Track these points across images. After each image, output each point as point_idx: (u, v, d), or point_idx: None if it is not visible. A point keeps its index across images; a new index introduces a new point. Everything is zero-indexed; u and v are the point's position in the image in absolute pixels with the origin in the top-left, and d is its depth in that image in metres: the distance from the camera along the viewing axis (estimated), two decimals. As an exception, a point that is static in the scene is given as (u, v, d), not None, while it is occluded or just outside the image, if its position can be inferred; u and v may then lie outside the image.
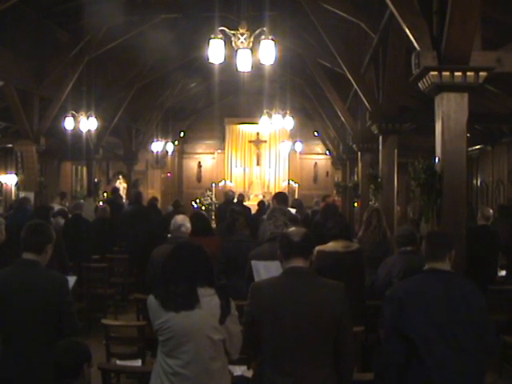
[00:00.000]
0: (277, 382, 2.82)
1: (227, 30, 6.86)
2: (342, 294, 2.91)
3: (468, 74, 4.60)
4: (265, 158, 21.48)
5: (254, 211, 10.91)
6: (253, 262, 4.61)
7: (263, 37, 6.70)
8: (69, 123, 11.70)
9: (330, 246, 4.85)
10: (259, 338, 2.93)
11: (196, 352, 2.85)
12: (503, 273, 7.14)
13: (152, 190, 19.17)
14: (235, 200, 12.00)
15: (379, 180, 8.29)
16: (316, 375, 2.81)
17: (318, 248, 4.94)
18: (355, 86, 8.98)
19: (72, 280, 4.49)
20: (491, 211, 6.93)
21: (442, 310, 2.98)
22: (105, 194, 15.51)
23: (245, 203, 12.48)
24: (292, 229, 3.17)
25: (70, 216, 8.65)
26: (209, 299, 2.90)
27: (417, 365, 2.95)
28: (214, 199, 19.76)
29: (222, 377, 2.95)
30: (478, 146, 13.95)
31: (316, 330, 2.82)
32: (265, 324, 2.88)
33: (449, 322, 2.96)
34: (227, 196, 11.30)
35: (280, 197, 6.86)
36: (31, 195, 9.91)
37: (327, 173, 21.46)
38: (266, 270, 4.30)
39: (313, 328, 2.82)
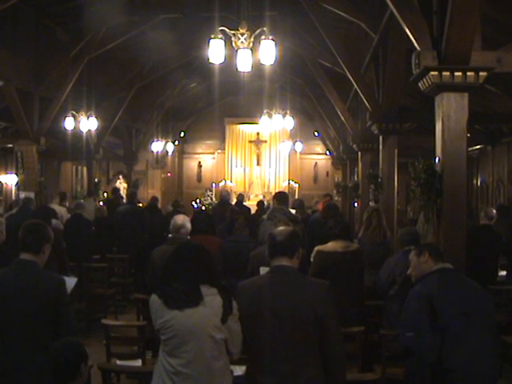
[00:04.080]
0: (262, 381, 2.83)
1: (227, 30, 6.86)
2: (324, 293, 2.90)
3: (468, 73, 4.60)
4: (265, 158, 21.48)
5: (253, 211, 10.91)
6: (261, 268, 4.61)
7: (263, 37, 6.69)
8: (69, 123, 11.70)
9: (330, 246, 4.85)
10: (247, 337, 2.94)
11: (198, 351, 2.85)
12: (503, 273, 7.14)
13: (152, 190, 19.16)
14: (234, 200, 11.97)
15: (379, 180, 8.29)
16: (300, 375, 2.81)
17: (317, 248, 4.95)
18: (355, 85, 8.97)
19: (73, 282, 4.49)
20: (494, 211, 6.94)
21: (464, 300, 3.21)
22: (105, 194, 15.51)
23: (245, 203, 12.46)
24: (278, 228, 3.19)
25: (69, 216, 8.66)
26: (211, 298, 2.90)
27: (447, 357, 3.09)
28: (214, 199, 19.75)
29: (223, 376, 2.94)
30: (478, 146, 13.95)
31: (297, 329, 2.82)
32: (249, 323, 2.90)
33: (471, 311, 3.18)
34: (222, 197, 11.15)
35: (280, 197, 6.86)
36: (31, 195, 9.90)
37: (327, 173, 21.46)
38: None
39: (294, 327, 2.82)
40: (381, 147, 8.27)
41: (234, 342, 2.96)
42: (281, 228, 3.17)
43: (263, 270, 4.50)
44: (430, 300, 3.14)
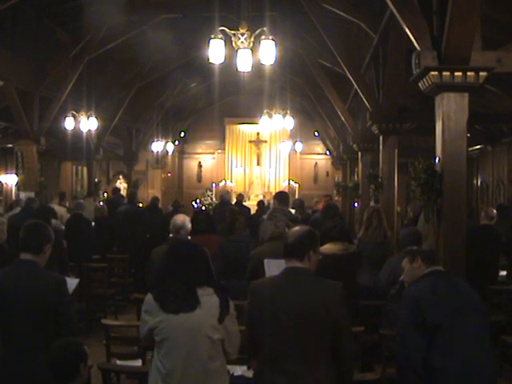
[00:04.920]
0: (275, 380, 2.83)
1: (227, 29, 6.86)
2: (338, 294, 2.92)
3: (468, 73, 4.60)
4: (265, 158, 21.47)
5: (253, 211, 10.91)
6: (265, 261, 4.60)
7: (263, 37, 6.70)
8: (69, 123, 11.70)
9: (328, 248, 4.82)
10: (258, 337, 2.94)
11: (195, 352, 2.82)
12: (503, 273, 7.14)
13: (152, 190, 19.16)
14: (234, 200, 11.96)
15: (379, 180, 8.29)
16: (312, 374, 2.82)
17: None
18: (355, 85, 8.97)
19: (74, 283, 4.48)
20: (495, 211, 6.94)
21: (456, 299, 3.26)
22: (105, 194, 15.50)
23: (245, 203, 12.45)
24: (294, 228, 3.18)
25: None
26: (208, 298, 2.88)
27: (440, 356, 3.12)
28: (214, 199, 19.75)
29: (220, 377, 2.93)
30: (478, 146, 13.95)
31: (310, 329, 2.83)
32: (262, 323, 2.90)
33: (464, 309, 3.22)
34: (222, 197, 11.11)
35: (281, 197, 6.87)
36: (31, 195, 9.90)
37: (327, 173, 21.46)
38: (279, 268, 4.29)
39: (307, 327, 2.83)
40: (381, 147, 8.27)
41: (230, 342, 2.95)
42: (295, 228, 3.14)
43: (268, 263, 4.50)
44: (418, 301, 3.20)
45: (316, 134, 20.50)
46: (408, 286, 3.53)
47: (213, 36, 6.67)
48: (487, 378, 3.19)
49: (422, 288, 3.30)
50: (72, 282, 4.14)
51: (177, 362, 2.82)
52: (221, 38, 6.66)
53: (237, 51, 6.92)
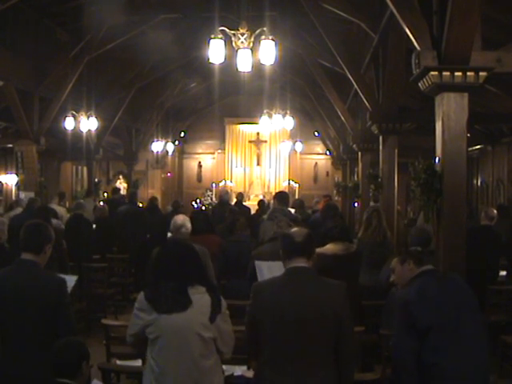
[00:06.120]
0: (277, 381, 2.83)
1: (227, 29, 6.86)
2: (343, 294, 2.92)
3: (468, 73, 4.59)
4: (265, 158, 21.49)
5: (253, 211, 10.90)
6: (256, 263, 4.61)
7: (263, 37, 6.70)
8: (69, 123, 11.71)
9: (330, 248, 4.82)
10: (260, 338, 2.93)
11: (185, 350, 2.82)
12: (503, 273, 7.14)
13: (152, 190, 19.16)
14: (234, 200, 11.96)
15: (379, 180, 8.29)
16: (316, 375, 2.82)
17: (317, 250, 4.93)
18: (355, 85, 8.97)
19: (73, 279, 4.48)
20: (495, 211, 6.93)
21: (446, 299, 3.23)
22: (105, 194, 15.50)
23: (245, 203, 12.44)
24: (294, 229, 3.18)
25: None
26: (199, 297, 2.88)
27: (433, 354, 3.12)
28: (214, 199, 19.75)
29: (214, 375, 2.93)
30: (478, 146, 13.95)
31: (316, 329, 2.83)
32: (266, 324, 2.89)
33: (455, 307, 3.19)
34: (221, 197, 11.09)
35: (281, 197, 6.86)
36: (32, 195, 9.90)
37: (327, 173, 21.46)
38: (269, 270, 4.29)
39: (313, 328, 2.83)
40: (381, 147, 8.27)
41: (223, 341, 2.95)
42: (296, 229, 3.15)
43: (258, 265, 4.50)
44: (408, 305, 3.20)
45: (316, 134, 20.51)
46: (400, 288, 3.52)
47: (213, 36, 6.68)
48: (482, 374, 3.18)
49: (411, 291, 3.28)
50: (70, 279, 4.13)
51: (169, 360, 2.82)
52: (221, 38, 6.67)
53: (237, 51, 6.93)
